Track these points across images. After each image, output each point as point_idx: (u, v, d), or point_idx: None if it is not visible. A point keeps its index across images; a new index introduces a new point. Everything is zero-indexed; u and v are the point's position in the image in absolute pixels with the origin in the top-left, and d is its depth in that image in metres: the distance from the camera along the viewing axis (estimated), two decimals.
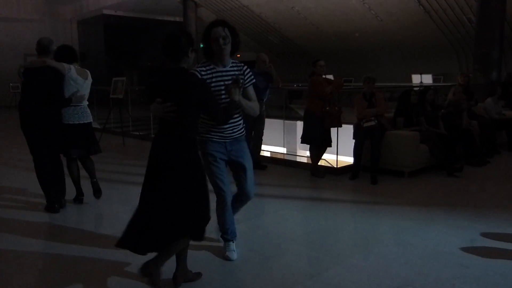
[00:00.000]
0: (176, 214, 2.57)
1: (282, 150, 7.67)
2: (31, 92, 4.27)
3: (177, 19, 20.66)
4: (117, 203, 4.89)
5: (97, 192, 4.69)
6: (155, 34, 21.76)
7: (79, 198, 4.68)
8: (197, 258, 3.21)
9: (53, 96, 4.25)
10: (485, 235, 3.64)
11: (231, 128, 3.02)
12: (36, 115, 4.21)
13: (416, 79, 15.92)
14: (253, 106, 3.05)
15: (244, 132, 3.15)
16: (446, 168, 5.78)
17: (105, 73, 19.87)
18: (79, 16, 22.25)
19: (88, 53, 22.26)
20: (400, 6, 15.44)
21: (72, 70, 4.35)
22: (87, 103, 4.63)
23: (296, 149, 7.76)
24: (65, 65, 4.31)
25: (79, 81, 4.42)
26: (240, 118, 3.08)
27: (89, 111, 4.63)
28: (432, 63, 17.14)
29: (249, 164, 3.13)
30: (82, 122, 4.49)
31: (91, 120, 4.65)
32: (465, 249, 3.33)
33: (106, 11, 20.51)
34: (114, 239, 3.58)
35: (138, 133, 10.33)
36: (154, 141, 2.69)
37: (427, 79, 15.65)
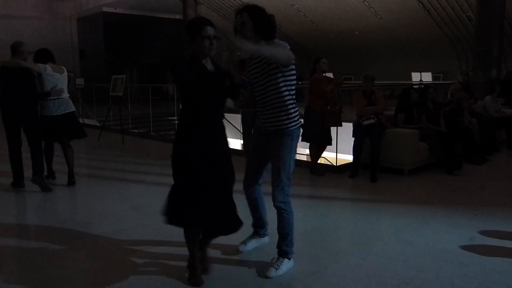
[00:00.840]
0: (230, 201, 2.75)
1: None
2: (8, 89, 4.86)
3: (177, 16, 20.63)
4: (116, 200, 4.89)
5: (71, 179, 5.26)
6: (155, 31, 21.74)
7: (71, 181, 5.25)
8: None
9: (28, 92, 4.85)
10: (485, 233, 3.65)
11: (264, 118, 2.83)
12: (14, 108, 4.81)
13: (415, 77, 15.93)
14: (277, 51, 2.64)
15: (288, 126, 2.78)
16: (445, 166, 5.78)
17: (104, 71, 19.86)
18: (78, 14, 22.22)
19: (87, 50, 22.25)
20: (399, 4, 15.43)
21: (48, 69, 4.98)
22: (68, 95, 5.23)
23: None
24: (41, 65, 4.95)
25: (56, 77, 5.04)
26: (280, 109, 2.77)
27: (71, 102, 5.24)
28: (432, 61, 17.15)
29: (277, 162, 2.83)
30: (66, 112, 5.12)
31: (74, 109, 5.31)
32: (465, 247, 3.33)
33: (105, 9, 20.49)
34: (113, 237, 3.59)
35: (137, 131, 10.34)
36: (195, 130, 2.62)
37: (427, 77, 15.65)
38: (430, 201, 4.70)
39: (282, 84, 2.73)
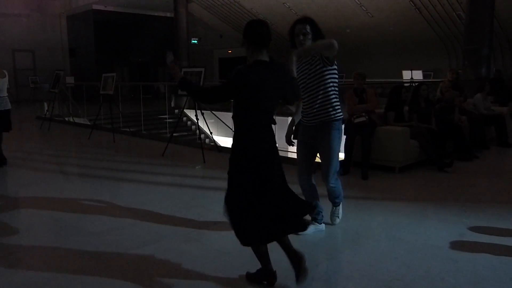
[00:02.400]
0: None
1: None
2: None
3: (168, 14, 20.52)
4: (108, 199, 4.86)
5: (3, 161, 6.36)
6: (146, 29, 21.62)
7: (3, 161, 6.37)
8: (192, 252, 3.20)
9: None
10: (474, 229, 3.68)
11: (312, 113, 3.32)
12: None
13: (406, 75, 16.02)
14: (323, 42, 3.16)
15: (335, 117, 3.31)
16: (436, 163, 5.82)
17: (95, 69, 19.70)
18: (68, 11, 22.00)
19: (77, 48, 22.06)
20: (390, 2, 15.51)
21: None
22: (7, 95, 6.32)
23: (287, 145, 7.76)
24: None
25: None
26: (326, 102, 3.29)
27: (8, 101, 6.35)
28: (423, 59, 17.26)
29: (328, 153, 3.35)
30: (5, 109, 6.26)
31: (10, 107, 6.39)
32: (454, 244, 3.36)
33: (95, 6, 20.30)
34: (104, 235, 3.57)
35: (128, 130, 10.28)
36: (256, 134, 2.64)
37: (418, 75, 15.74)
38: (420, 198, 4.73)
39: (329, 81, 3.27)
